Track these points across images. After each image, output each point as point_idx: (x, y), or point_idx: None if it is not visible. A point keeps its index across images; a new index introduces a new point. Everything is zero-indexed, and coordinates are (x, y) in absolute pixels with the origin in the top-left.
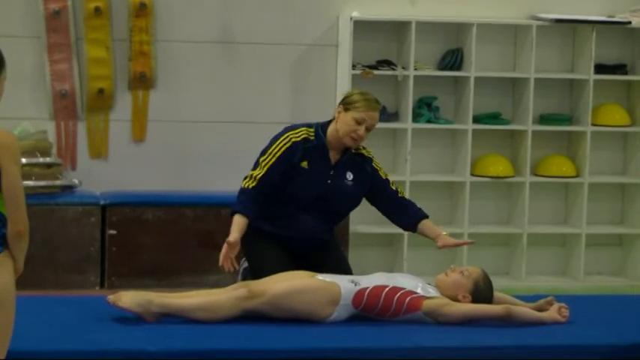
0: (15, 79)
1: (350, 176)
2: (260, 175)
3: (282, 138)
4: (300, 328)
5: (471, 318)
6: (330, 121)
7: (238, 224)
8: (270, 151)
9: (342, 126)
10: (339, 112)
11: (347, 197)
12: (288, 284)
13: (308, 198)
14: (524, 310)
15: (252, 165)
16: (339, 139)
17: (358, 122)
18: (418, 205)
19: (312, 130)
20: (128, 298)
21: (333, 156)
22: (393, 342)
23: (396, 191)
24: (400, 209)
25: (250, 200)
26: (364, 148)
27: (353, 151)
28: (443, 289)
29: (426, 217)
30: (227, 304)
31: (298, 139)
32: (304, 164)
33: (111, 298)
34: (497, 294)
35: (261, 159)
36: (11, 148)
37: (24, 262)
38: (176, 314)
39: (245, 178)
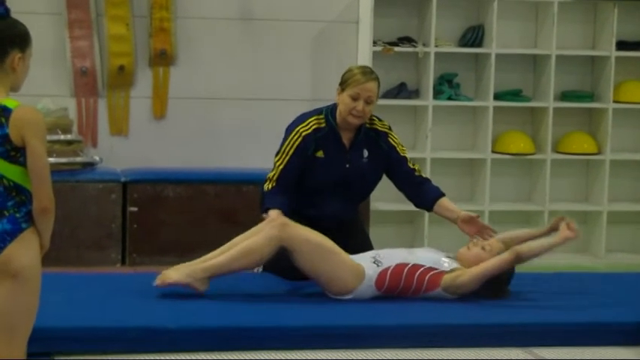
0: (36, 56)
1: (365, 153)
2: (276, 176)
3: (292, 134)
4: (320, 305)
5: (484, 276)
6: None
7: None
8: (282, 150)
9: (342, 107)
10: (338, 94)
11: (366, 177)
12: (321, 239)
13: (328, 185)
14: (532, 247)
15: (270, 141)
16: (345, 120)
17: (354, 98)
18: (435, 184)
19: (321, 117)
20: (174, 274)
21: (347, 138)
22: (411, 319)
23: (414, 169)
24: (416, 187)
25: (274, 195)
26: (380, 120)
27: (367, 126)
28: (464, 263)
29: (443, 195)
30: (262, 244)
31: (309, 131)
32: (320, 154)
33: (158, 281)
34: (503, 235)
35: (276, 159)
36: (36, 125)
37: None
38: (221, 272)
39: (265, 182)
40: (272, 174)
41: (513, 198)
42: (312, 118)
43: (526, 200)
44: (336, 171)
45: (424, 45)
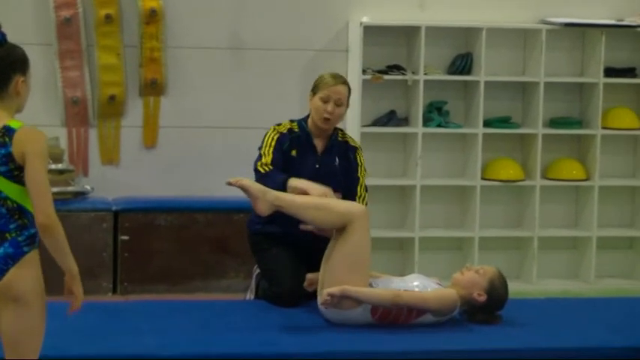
0: None
1: (337, 160)
2: (269, 160)
3: (269, 132)
4: (313, 333)
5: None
6: (309, 115)
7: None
8: (265, 143)
9: (313, 112)
10: (310, 99)
11: (336, 179)
12: (369, 253)
13: None
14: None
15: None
16: (316, 125)
17: (325, 101)
18: None
19: (294, 123)
20: (250, 182)
21: (319, 144)
22: (403, 346)
23: (356, 195)
24: None
25: (279, 173)
26: (352, 138)
27: (339, 139)
28: (458, 288)
29: None
30: (337, 211)
31: (284, 130)
32: (294, 153)
33: (232, 179)
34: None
35: (262, 150)
36: (37, 142)
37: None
38: (289, 210)
39: (258, 167)
40: (264, 160)
41: (503, 224)
42: (286, 122)
43: (516, 226)
44: (308, 170)
45: (413, 73)
